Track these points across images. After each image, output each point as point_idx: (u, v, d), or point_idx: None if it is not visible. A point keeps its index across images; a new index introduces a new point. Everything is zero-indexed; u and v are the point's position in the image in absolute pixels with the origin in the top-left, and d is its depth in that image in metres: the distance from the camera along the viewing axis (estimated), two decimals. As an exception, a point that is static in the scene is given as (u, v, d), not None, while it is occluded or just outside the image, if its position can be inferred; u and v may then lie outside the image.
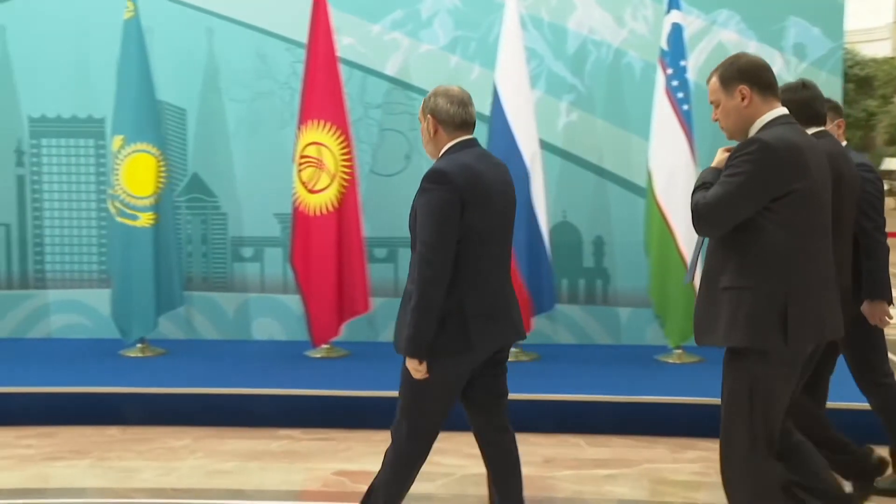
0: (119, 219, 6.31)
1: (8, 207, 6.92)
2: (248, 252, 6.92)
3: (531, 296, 6.09)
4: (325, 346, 6.39)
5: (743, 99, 3.18)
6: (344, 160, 6.24)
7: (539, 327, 6.38)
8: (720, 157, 3.28)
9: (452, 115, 3.39)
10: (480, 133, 6.36)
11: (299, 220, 6.26)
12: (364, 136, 6.77)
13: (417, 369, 3.28)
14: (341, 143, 6.23)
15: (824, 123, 3.92)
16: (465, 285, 3.29)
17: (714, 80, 3.25)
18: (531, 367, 6.13)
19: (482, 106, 6.42)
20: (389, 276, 6.85)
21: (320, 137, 6.20)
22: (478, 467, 4.72)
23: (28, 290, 6.97)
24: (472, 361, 3.38)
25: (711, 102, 3.26)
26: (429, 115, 3.42)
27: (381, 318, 6.78)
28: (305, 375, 5.91)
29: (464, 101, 3.41)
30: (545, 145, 6.40)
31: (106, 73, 6.58)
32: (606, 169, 6.67)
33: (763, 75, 3.20)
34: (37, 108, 6.85)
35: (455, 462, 4.78)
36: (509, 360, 6.28)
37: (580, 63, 6.65)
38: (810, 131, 3.70)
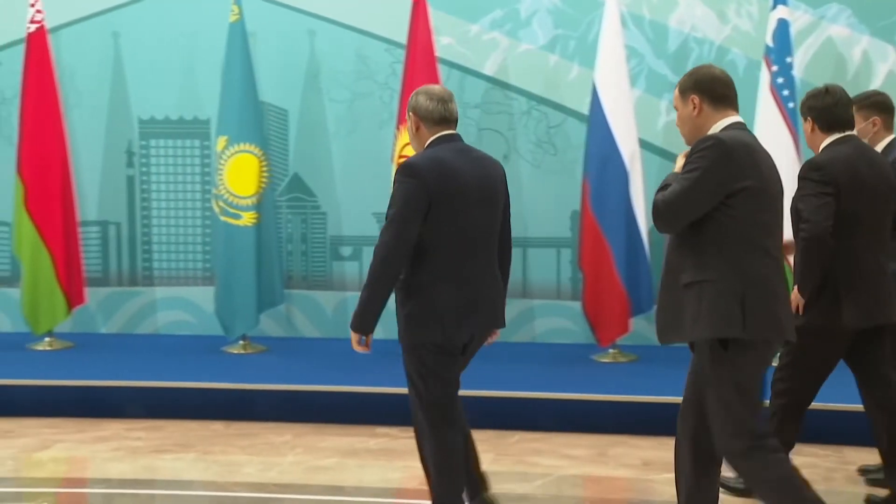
0: (223, 218, 6.48)
1: (118, 207, 7.16)
2: (346, 251, 7.04)
3: (629, 296, 6.06)
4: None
5: (694, 108, 3.32)
6: (442, 160, 6.29)
7: (637, 328, 6.34)
8: (680, 162, 3.37)
9: (431, 112, 3.55)
10: (579, 132, 6.44)
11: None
12: (464, 135, 6.77)
13: (358, 344, 3.58)
14: (439, 142, 6.28)
15: (849, 128, 3.99)
16: (436, 277, 3.50)
17: (676, 88, 3.42)
18: (629, 368, 6.10)
19: (581, 105, 6.45)
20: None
21: (419, 138, 6.27)
22: (575, 468, 4.74)
23: (137, 287, 7.21)
24: (455, 346, 3.58)
25: (675, 108, 3.42)
26: (410, 113, 3.59)
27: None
28: (403, 374, 5.97)
29: (443, 98, 3.56)
30: (645, 145, 6.35)
31: (211, 76, 6.77)
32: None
33: (716, 87, 3.33)
34: (146, 110, 7.08)
35: (552, 462, 4.79)
36: (606, 361, 6.29)
37: (681, 61, 6.58)
38: (833, 137, 3.93)
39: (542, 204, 6.75)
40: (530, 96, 6.77)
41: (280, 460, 4.91)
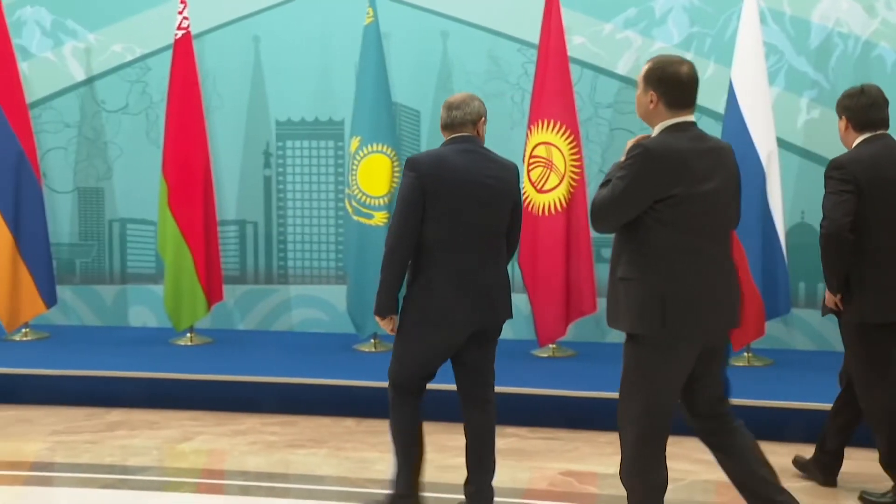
0: (355, 217, 6.60)
1: (255, 206, 7.37)
2: (477, 251, 7.06)
3: (764, 299, 5.90)
4: (551, 345, 6.45)
5: (651, 102, 3.43)
6: (573, 160, 6.27)
7: (773, 332, 6.19)
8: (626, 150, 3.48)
9: (443, 119, 4.00)
10: (714, 131, 6.27)
11: (527, 220, 6.29)
12: (593, 135, 6.78)
13: (384, 325, 3.96)
14: (570, 142, 6.27)
15: (882, 127, 4.19)
16: (433, 266, 3.86)
17: (644, 68, 3.49)
18: (764, 372, 5.95)
19: (716, 104, 6.32)
20: (618, 277, 6.81)
21: (550, 138, 6.26)
22: (707, 473, 4.63)
23: (272, 284, 7.40)
24: (448, 334, 3.92)
25: (637, 83, 3.52)
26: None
27: (609, 319, 6.76)
28: (532, 375, 5.98)
29: (451, 106, 3.98)
30: (783, 144, 6.19)
31: (346, 78, 6.92)
32: (850, 168, 6.38)
33: (678, 93, 3.40)
34: (283, 112, 7.28)
35: (685, 467, 4.69)
36: (741, 365, 6.15)
37: (824, 57, 6.40)
38: (864, 136, 4.14)
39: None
40: (664, 95, 6.68)
41: (410, 458, 4.95)
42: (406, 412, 4.06)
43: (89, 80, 7.49)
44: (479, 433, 4.05)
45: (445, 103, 4.02)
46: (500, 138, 6.86)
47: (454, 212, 3.84)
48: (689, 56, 6.54)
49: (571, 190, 6.27)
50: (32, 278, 6.93)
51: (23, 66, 7.24)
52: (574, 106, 6.34)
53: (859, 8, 6.36)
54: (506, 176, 3.99)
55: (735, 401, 5.08)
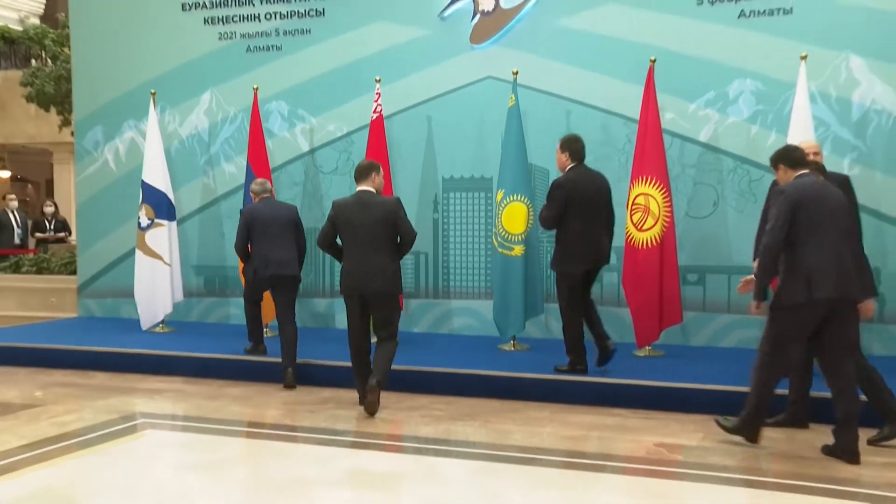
0: (499, 250, 6.70)
1: (427, 241, 7.55)
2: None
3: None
4: (647, 347, 6.43)
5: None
6: (665, 206, 6.27)
7: None
8: None
9: (255, 191, 6.27)
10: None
11: (629, 252, 6.33)
12: (681, 188, 6.75)
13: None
14: (663, 193, 6.27)
15: (583, 159, 5.69)
16: (257, 253, 6.05)
17: None
18: None
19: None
20: (699, 295, 6.77)
21: (647, 190, 6.27)
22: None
23: (437, 299, 7.58)
24: (259, 288, 6.20)
25: None
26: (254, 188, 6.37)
27: (692, 327, 6.71)
28: (631, 369, 5.89)
29: (263, 184, 6.29)
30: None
31: (494, 145, 7.06)
32: (884, 213, 6.17)
33: (358, 173, 5.27)
34: (448, 170, 7.49)
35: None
36: None
37: (862, 128, 6.24)
38: (574, 164, 5.66)
39: (746, 243, 6.55)
40: (735, 157, 6.62)
41: (540, 430, 4.93)
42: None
43: (311, 151, 7.90)
44: (291, 340, 5.93)
45: (263, 185, 6.24)
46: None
47: (265, 236, 6.03)
48: (754, 128, 6.53)
49: (664, 230, 6.25)
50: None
51: (269, 143, 7.75)
52: (665, 166, 6.32)
53: (891, 91, 6.18)
54: (288, 214, 6.17)
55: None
